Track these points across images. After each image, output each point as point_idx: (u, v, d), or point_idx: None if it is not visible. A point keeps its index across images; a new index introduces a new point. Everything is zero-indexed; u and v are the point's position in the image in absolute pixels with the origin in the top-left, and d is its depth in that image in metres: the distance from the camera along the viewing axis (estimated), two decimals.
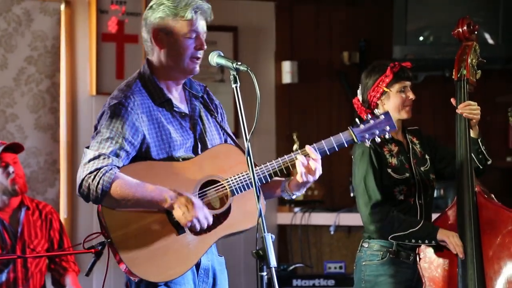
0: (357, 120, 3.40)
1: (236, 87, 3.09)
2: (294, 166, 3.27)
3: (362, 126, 3.36)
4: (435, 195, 6.62)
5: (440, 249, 3.99)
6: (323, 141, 3.31)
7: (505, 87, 7.11)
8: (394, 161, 4.09)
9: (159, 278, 3.17)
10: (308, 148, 3.30)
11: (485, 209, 3.98)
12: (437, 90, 6.92)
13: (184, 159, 3.27)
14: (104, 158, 3.15)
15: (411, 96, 4.10)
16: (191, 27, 3.26)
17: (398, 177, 4.06)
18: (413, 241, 3.98)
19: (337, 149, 3.33)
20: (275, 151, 7.01)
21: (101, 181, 3.12)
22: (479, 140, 4.06)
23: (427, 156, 4.19)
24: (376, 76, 4.11)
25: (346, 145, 3.34)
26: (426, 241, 3.96)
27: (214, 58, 3.22)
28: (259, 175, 3.25)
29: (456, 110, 4.01)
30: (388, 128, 3.39)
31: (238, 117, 3.06)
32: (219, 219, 3.23)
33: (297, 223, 6.69)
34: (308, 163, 3.25)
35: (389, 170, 4.06)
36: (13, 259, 4.84)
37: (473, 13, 6.36)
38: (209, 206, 3.23)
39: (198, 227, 3.16)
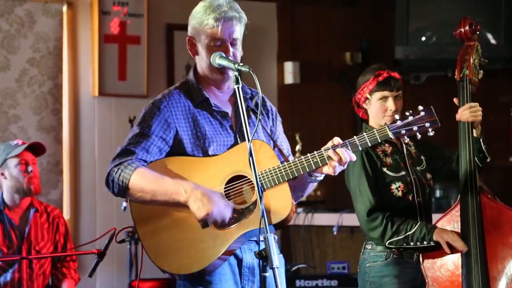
0: (396, 116, 3.28)
1: (238, 88, 3.10)
2: (323, 161, 3.19)
3: (399, 122, 3.25)
4: (437, 195, 6.66)
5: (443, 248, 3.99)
6: (355, 137, 3.22)
7: (507, 87, 7.11)
8: (389, 160, 4.09)
9: (180, 270, 3.21)
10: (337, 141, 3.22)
11: (488, 209, 3.98)
12: (440, 90, 6.91)
13: None
14: (131, 153, 3.23)
15: (391, 107, 4.06)
16: (214, 36, 3.29)
17: (394, 175, 4.06)
18: (411, 243, 3.97)
19: (370, 144, 3.22)
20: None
21: (122, 173, 3.20)
22: (480, 139, 4.06)
23: (422, 157, 4.19)
24: (364, 80, 4.12)
25: (379, 141, 3.23)
26: (425, 242, 3.96)
27: (216, 59, 3.25)
28: (287, 170, 3.18)
29: (457, 117, 3.97)
30: (428, 124, 3.25)
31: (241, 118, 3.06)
32: (244, 214, 3.22)
33: (300, 223, 6.68)
34: (340, 157, 3.17)
35: (385, 169, 4.06)
36: (18, 260, 4.85)
37: (475, 13, 6.37)
38: (243, 201, 3.23)
39: (211, 221, 3.17)
